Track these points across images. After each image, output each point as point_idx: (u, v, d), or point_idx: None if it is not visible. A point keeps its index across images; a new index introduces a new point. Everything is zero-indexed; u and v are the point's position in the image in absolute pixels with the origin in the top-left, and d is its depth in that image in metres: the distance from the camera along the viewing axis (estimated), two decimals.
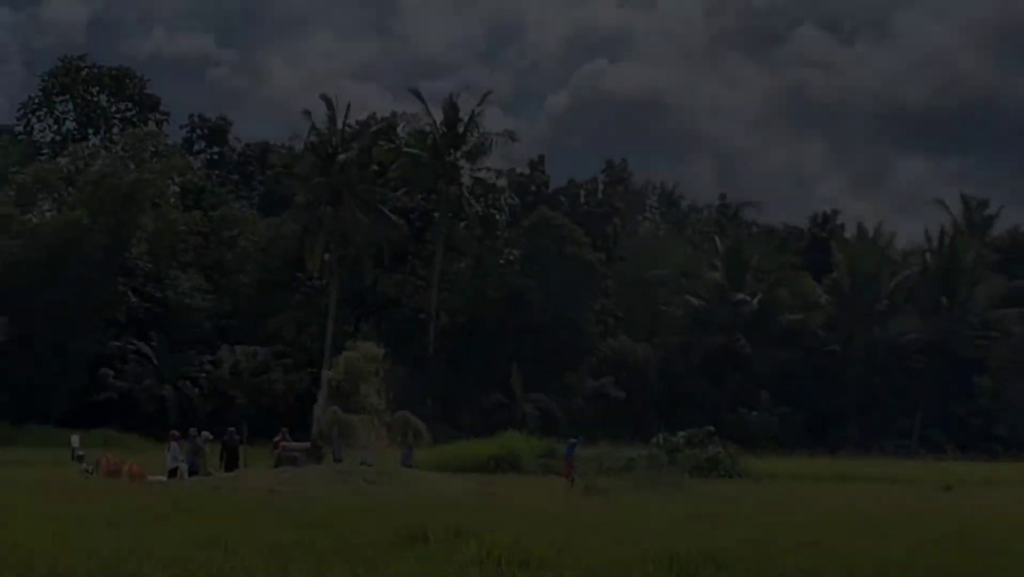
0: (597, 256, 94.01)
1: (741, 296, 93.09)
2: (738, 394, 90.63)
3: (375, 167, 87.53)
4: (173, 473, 40.11)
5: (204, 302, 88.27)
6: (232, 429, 45.01)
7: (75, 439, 54.01)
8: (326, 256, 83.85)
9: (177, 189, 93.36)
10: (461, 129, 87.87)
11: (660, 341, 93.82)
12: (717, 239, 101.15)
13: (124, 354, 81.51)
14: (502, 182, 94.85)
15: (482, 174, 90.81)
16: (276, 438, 45.28)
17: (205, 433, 43.93)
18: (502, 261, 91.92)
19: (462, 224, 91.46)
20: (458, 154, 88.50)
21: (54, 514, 21.82)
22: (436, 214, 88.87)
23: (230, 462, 43.20)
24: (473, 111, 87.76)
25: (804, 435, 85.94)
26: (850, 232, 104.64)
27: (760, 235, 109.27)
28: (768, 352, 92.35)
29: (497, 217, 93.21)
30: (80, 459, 44.97)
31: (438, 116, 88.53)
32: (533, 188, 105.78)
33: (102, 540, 17.47)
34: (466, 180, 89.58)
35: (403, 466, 42.08)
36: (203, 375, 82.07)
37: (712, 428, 54.87)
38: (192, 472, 40.19)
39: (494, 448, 55.66)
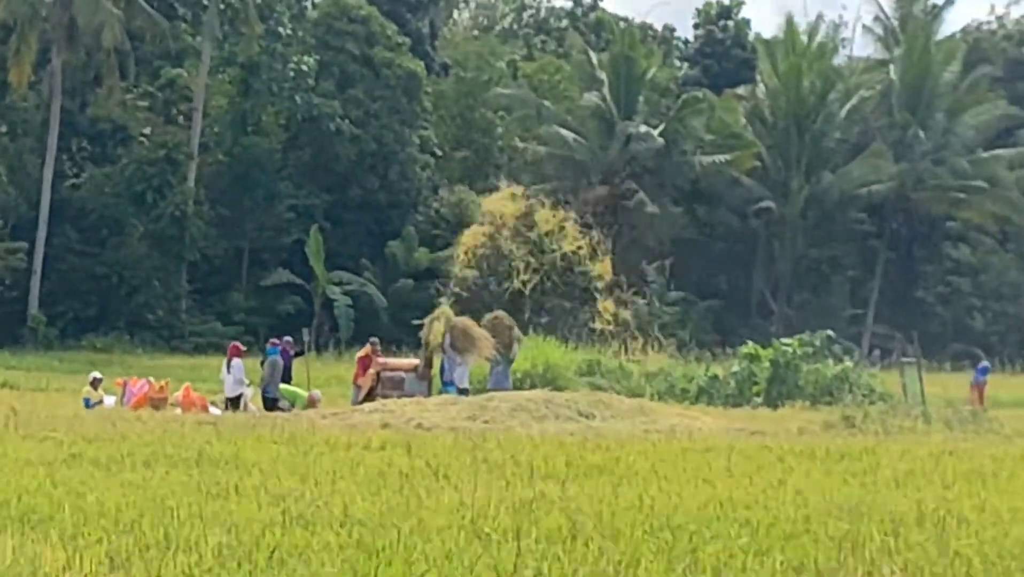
0: (417, 65, 68.43)
1: (641, 128, 64.48)
2: (624, 270, 65.44)
3: None
4: (235, 402, 29.68)
5: None
6: (288, 338, 33.67)
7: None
8: (49, 66, 61.64)
9: None
10: None
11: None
12: (583, 40, 73.05)
13: None
14: None
15: None
16: (361, 352, 33.46)
17: (287, 338, 33.62)
18: (291, 73, 65.92)
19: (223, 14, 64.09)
20: None
21: None
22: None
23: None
24: None
25: (709, 332, 62.87)
26: (767, 30, 78.14)
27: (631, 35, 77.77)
28: (673, 212, 66.44)
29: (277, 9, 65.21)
30: (96, 384, 32.18)
31: None
32: None
33: None
34: None
35: (494, 389, 31.44)
36: None
37: (831, 333, 40.37)
38: (271, 400, 29.23)
39: (521, 362, 37.06)
